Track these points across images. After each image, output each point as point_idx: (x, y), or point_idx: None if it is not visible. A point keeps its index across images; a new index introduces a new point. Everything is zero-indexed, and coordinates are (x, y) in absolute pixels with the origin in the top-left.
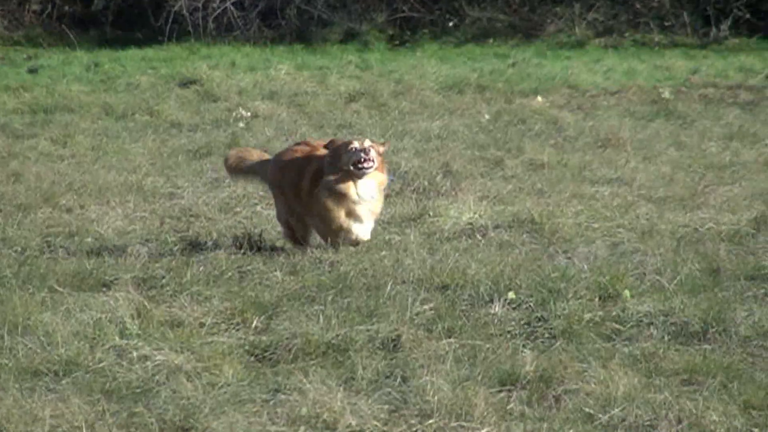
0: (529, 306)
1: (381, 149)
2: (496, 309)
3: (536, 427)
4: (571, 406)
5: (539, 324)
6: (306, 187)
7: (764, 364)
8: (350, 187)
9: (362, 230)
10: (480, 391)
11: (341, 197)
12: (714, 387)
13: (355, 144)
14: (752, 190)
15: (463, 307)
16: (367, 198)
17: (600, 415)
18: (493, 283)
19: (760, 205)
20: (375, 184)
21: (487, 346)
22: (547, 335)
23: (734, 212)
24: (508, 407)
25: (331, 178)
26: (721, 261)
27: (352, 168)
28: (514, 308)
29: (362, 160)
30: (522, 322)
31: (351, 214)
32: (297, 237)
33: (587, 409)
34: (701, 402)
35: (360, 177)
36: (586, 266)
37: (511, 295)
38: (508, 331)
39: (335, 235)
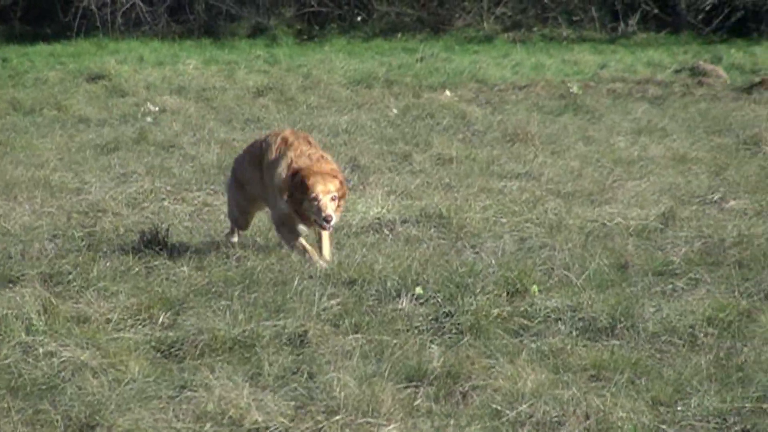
0: (437, 301)
1: (340, 179)
2: (404, 304)
3: (443, 423)
4: (479, 402)
5: (447, 319)
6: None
7: (672, 360)
8: (307, 225)
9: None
10: (387, 387)
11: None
12: (622, 383)
13: (321, 202)
14: (660, 185)
15: (371, 303)
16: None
17: (507, 411)
18: (400, 278)
19: (668, 200)
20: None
21: (395, 341)
22: (454, 331)
23: (642, 207)
24: (415, 403)
25: (285, 209)
26: (629, 256)
27: (312, 219)
28: (421, 303)
29: (320, 224)
30: (429, 318)
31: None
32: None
33: (495, 405)
34: (609, 398)
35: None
36: (493, 261)
37: (418, 290)
38: (416, 327)
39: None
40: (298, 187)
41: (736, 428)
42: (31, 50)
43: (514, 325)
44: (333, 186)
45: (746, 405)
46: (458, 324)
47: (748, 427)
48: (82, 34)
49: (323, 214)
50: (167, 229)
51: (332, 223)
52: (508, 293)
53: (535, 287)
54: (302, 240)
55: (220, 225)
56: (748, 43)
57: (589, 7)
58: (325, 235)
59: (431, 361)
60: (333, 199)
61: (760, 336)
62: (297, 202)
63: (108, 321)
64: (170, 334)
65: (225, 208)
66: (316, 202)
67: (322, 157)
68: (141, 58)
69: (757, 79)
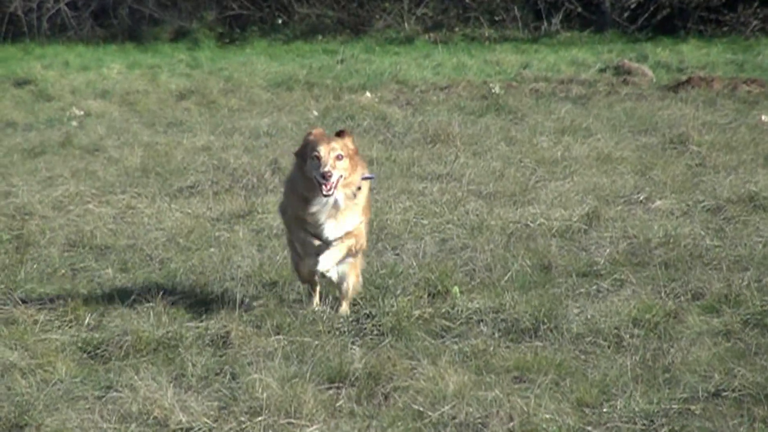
0: (358, 303)
1: (350, 146)
2: (325, 307)
3: (365, 424)
4: (401, 403)
5: (368, 321)
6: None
7: (597, 361)
8: (312, 196)
9: (329, 231)
10: (309, 389)
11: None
12: (546, 384)
13: (320, 152)
14: (584, 186)
15: (292, 304)
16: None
17: (430, 413)
18: None
19: (592, 200)
20: (343, 195)
21: (316, 343)
22: (375, 332)
23: (566, 208)
24: (337, 404)
25: (298, 178)
26: (553, 257)
27: (314, 180)
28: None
29: (322, 183)
30: (351, 319)
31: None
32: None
33: (417, 407)
34: (533, 399)
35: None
36: (414, 263)
37: None
38: (337, 328)
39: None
40: (303, 147)
41: (663, 430)
42: None
43: (435, 326)
44: (337, 144)
45: (673, 406)
46: (379, 325)
47: (676, 428)
48: (9, 40)
49: (322, 170)
50: (92, 232)
51: (332, 179)
52: (429, 294)
53: (456, 288)
54: (313, 275)
55: (143, 228)
56: (675, 41)
57: (512, 6)
58: (350, 273)
59: (353, 363)
60: (339, 158)
61: (687, 337)
62: (302, 167)
63: (35, 322)
64: (96, 335)
65: (148, 211)
66: (317, 159)
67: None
68: (66, 63)
69: (683, 78)
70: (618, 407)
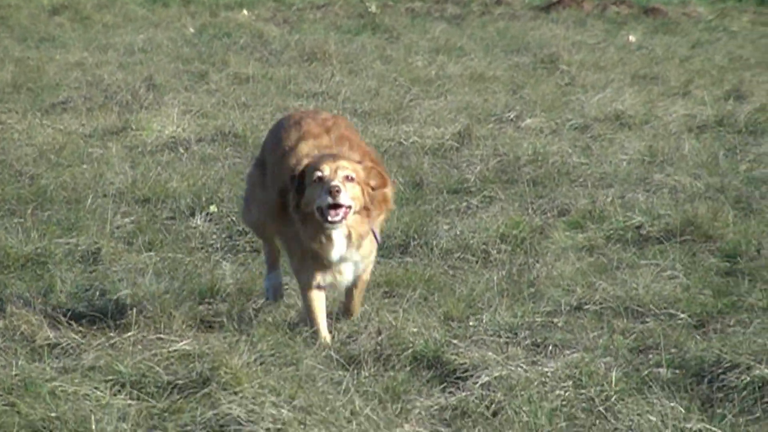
0: (231, 220)
1: (368, 164)
2: (198, 222)
3: (235, 339)
4: (271, 319)
5: (240, 238)
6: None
7: (464, 276)
8: (317, 241)
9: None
10: (179, 305)
11: (311, 250)
12: (414, 299)
13: (324, 171)
14: (457, 104)
15: (165, 221)
16: (340, 258)
17: (300, 325)
18: (195, 197)
19: (464, 119)
20: (353, 236)
21: (188, 259)
22: (248, 249)
23: (439, 126)
24: (208, 319)
25: (296, 218)
26: (425, 174)
27: (316, 213)
28: (215, 222)
29: (327, 206)
30: (223, 236)
31: (326, 267)
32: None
33: (287, 322)
34: (401, 314)
35: (328, 229)
36: None
37: (212, 208)
38: (209, 245)
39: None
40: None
41: (527, 342)
42: None
43: None
44: (348, 164)
45: (537, 319)
46: (252, 242)
47: (538, 340)
48: None
49: (329, 186)
50: None
51: (341, 199)
52: None
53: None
54: (320, 300)
55: (14, 143)
56: None
57: None
58: (357, 292)
59: (224, 279)
60: (349, 179)
61: (552, 252)
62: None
63: None
64: None
65: (19, 126)
66: (320, 181)
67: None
68: None
69: None
70: (484, 320)
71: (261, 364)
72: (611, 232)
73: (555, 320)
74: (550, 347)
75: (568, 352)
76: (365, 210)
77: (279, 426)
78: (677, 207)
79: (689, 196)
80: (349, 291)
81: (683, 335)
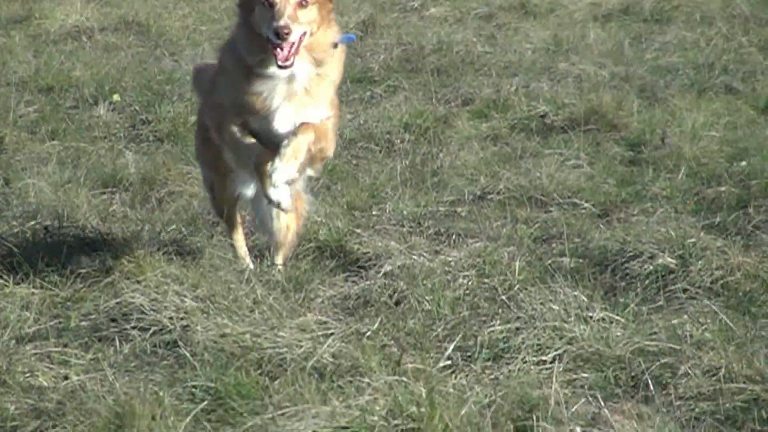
0: (135, 109)
1: None
2: (101, 112)
3: (138, 228)
4: (174, 207)
5: (144, 127)
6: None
7: (368, 166)
8: (260, 67)
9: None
10: (83, 193)
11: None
12: (318, 189)
13: (278, 5)
14: None
15: (68, 110)
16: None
17: (205, 216)
18: (98, 86)
19: (368, 8)
20: (307, 65)
21: (91, 148)
22: (151, 138)
23: (342, 14)
24: (111, 209)
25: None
26: None
27: (265, 36)
28: (119, 111)
29: (276, 44)
30: (127, 125)
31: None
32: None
33: (190, 212)
34: None
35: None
36: (192, 69)
37: (116, 97)
38: (113, 134)
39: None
40: None
41: (430, 231)
42: None
43: None
44: None
45: (440, 209)
46: (156, 131)
47: (441, 229)
48: None
49: (276, 24)
50: None
51: (291, 38)
52: None
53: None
54: (239, 234)
55: None
56: None
57: None
58: (289, 219)
59: (127, 168)
60: (302, 5)
61: (456, 141)
62: (246, 22)
63: None
64: None
65: None
66: (268, 6)
67: None
68: None
69: None
70: (387, 210)
71: (164, 253)
72: (515, 121)
73: (458, 210)
74: (454, 237)
75: (471, 241)
76: (324, 23)
77: (181, 315)
78: (582, 96)
79: (594, 85)
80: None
81: (587, 224)
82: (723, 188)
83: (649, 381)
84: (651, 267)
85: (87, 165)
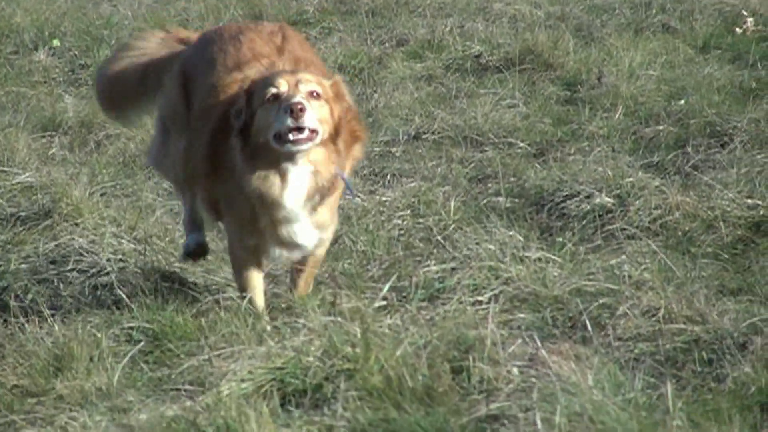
0: (74, 54)
1: (334, 86)
2: (41, 57)
3: (77, 171)
4: (112, 150)
5: (83, 71)
6: (204, 148)
7: None
8: (272, 182)
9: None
10: (22, 137)
11: (259, 198)
12: None
13: (281, 86)
14: None
15: (8, 55)
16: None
17: (140, 159)
18: (38, 31)
19: None
20: (312, 173)
21: (31, 93)
22: (90, 82)
23: None
24: (50, 152)
25: (240, 155)
26: (264, 6)
27: (272, 142)
28: (58, 56)
29: (288, 128)
30: (66, 70)
31: (276, 226)
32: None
33: (128, 155)
34: None
35: (288, 159)
36: (130, 14)
37: (55, 42)
38: (52, 78)
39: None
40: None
41: (365, 172)
42: None
43: None
44: (312, 77)
45: (375, 149)
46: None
47: (376, 170)
48: None
49: (289, 103)
50: None
51: (305, 120)
52: None
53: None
54: (258, 286)
55: None
56: None
57: None
58: (308, 268)
59: (66, 112)
60: (314, 96)
61: (391, 82)
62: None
63: None
64: None
65: None
66: (276, 100)
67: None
68: None
69: None
70: None
71: (102, 195)
72: (450, 61)
73: (393, 150)
74: (389, 177)
75: (406, 181)
76: (332, 144)
77: (119, 256)
78: (517, 36)
79: (529, 24)
80: (300, 265)
81: (522, 164)
82: (661, 127)
83: (587, 321)
84: (588, 206)
85: (27, 109)
